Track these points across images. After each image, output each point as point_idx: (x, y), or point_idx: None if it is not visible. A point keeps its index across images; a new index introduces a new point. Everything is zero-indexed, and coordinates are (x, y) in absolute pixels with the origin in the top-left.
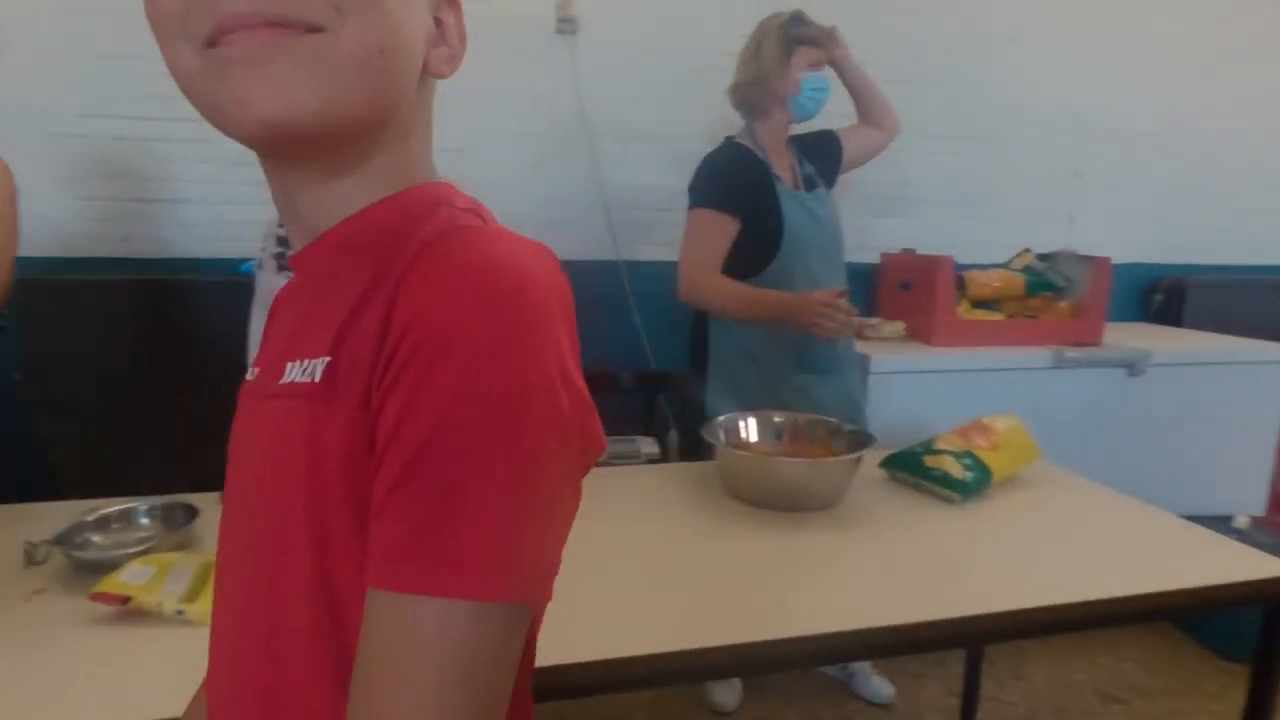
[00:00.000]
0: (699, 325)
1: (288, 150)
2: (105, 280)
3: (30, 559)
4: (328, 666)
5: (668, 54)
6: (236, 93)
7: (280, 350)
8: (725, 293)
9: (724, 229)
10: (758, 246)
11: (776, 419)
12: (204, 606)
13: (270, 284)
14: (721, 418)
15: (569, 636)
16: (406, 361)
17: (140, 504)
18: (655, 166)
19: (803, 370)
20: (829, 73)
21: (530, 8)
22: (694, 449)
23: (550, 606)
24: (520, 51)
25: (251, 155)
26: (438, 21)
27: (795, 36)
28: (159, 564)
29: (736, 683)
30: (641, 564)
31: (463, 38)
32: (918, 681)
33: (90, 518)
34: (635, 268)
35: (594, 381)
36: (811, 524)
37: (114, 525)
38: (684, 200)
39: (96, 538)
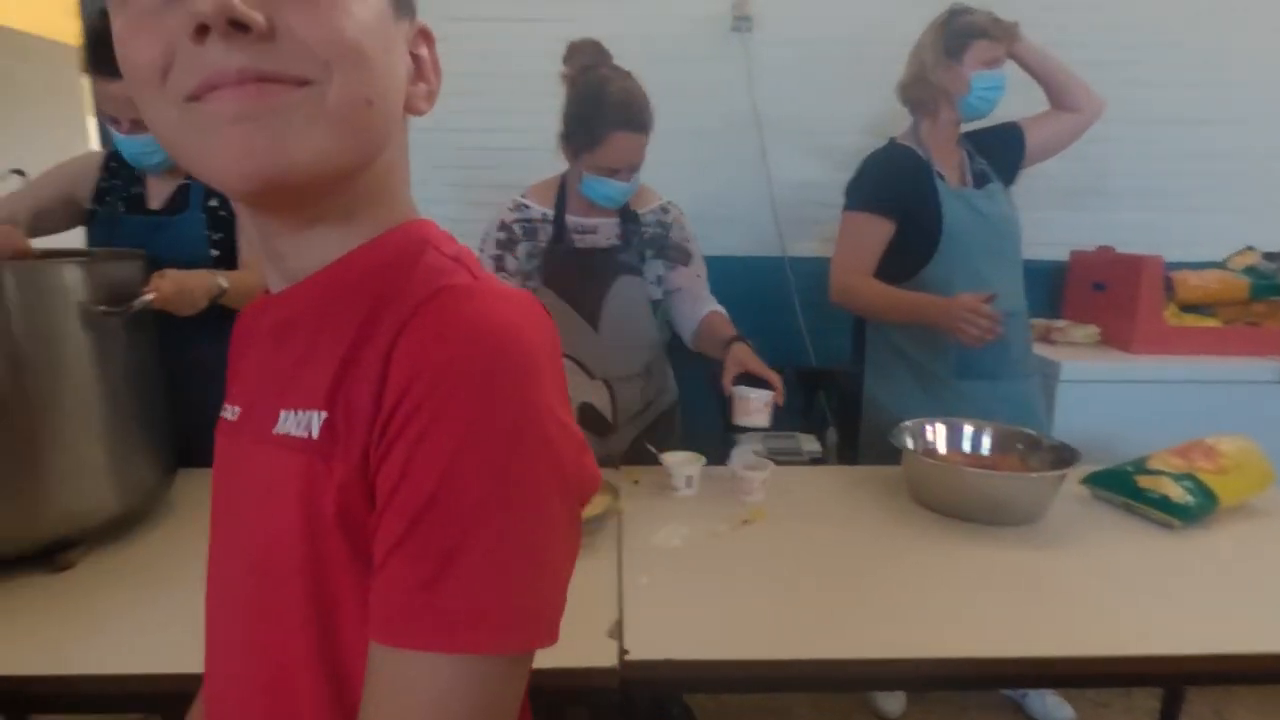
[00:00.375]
0: (860, 323)
1: (272, 201)
2: None
3: None
4: (332, 709)
5: (843, 48)
6: (227, 149)
7: (270, 394)
8: (874, 296)
9: (877, 232)
10: (914, 248)
11: (968, 427)
12: None
13: None
14: (908, 422)
15: (743, 632)
16: (406, 420)
17: None
18: (823, 162)
19: (965, 375)
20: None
21: (707, 7)
22: (852, 447)
23: (733, 603)
24: (696, 50)
25: (449, 158)
26: (414, 58)
27: (957, 29)
28: None
29: (901, 692)
30: (823, 566)
31: (438, 72)
32: (1101, 711)
33: None
34: (799, 263)
35: (754, 376)
36: (1007, 540)
37: None
38: None
39: None
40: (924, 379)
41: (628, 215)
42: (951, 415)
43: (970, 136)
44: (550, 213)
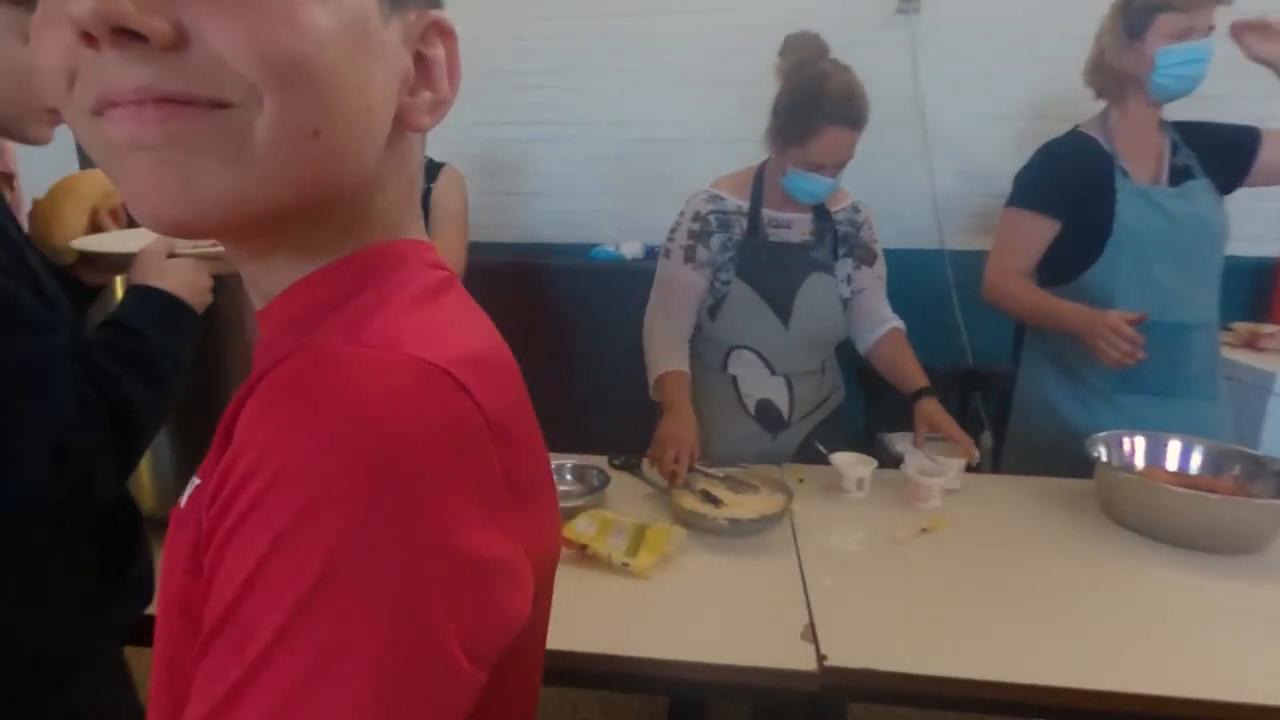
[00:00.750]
0: (1021, 323)
1: (203, 235)
2: (484, 262)
3: None
4: None
5: (1018, 28)
6: (128, 180)
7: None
8: (1024, 299)
9: (1039, 231)
10: (1078, 248)
11: (1174, 442)
12: (644, 562)
13: (671, 274)
14: (1102, 434)
15: (932, 646)
16: (227, 504)
17: (552, 461)
18: (992, 150)
19: (1129, 389)
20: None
21: None
22: (1003, 453)
23: (920, 615)
24: (858, 34)
25: (603, 150)
26: (419, 58)
27: (1139, 6)
28: (600, 520)
29: None
30: (1011, 583)
31: (454, 76)
32: None
33: None
34: (959, 257)
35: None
36: (1220, 569)
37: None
38: None
39: None
40: (1079, 389)
41: (821, 212)
42: (1107, 431)
43: (1185, 127)
44: (745, 205)
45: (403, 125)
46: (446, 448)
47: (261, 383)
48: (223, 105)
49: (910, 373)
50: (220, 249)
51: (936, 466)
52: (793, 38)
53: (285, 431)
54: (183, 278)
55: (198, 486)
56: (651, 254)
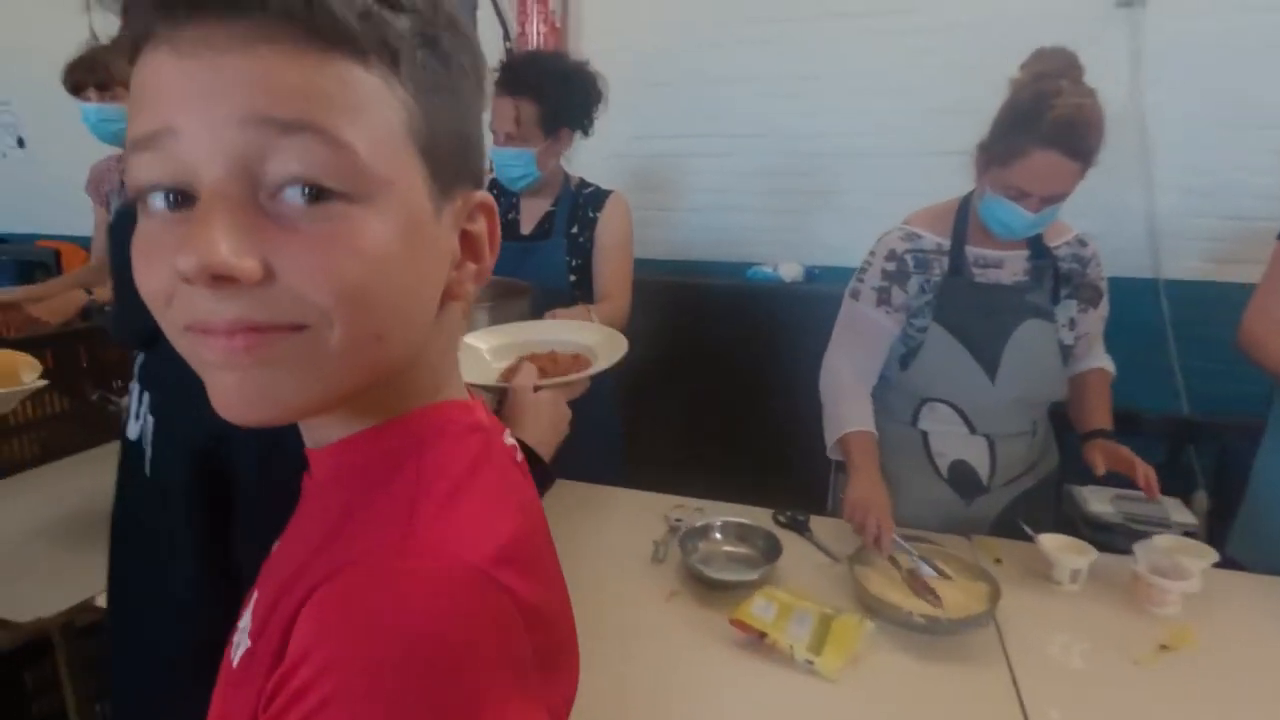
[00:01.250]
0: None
1: None
2: (639, 279)
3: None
4: None
5: (1277, 20)
6: (217, 391)
7: (272, 562)
8: (1277, 353)
9: None
10: None
11: None
12: (831, 662)
13: (861, 317)
14: None
15: None
16: (291, 701)
17: (715, 519)
18: (1231, 163)
19: None
20: None
21: None
22: (1226, 519)
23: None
24: (1068, 34)
25: (760, 163)
26: (464, 235)
27: None
28: (779, 602)
29: None
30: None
31: (495, 243)
32: None
33: (674, 515)
34: (1178, 288)
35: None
36: None
37: (714, 534)
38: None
39: (700, 544)
40: None
41: (1039, 248)
42: None
43: None
44: (945, 243)
45: (448, 297)
46: (489, 654)
47: (319, 594)
48: (299, 328)
49: (1094, 411)
50: (581, 375)
51: (1178, 564)
52: (1044, 51)
53: (339, 649)
54: (551, 418)
55: (248, 651)
56: (811, 277)
